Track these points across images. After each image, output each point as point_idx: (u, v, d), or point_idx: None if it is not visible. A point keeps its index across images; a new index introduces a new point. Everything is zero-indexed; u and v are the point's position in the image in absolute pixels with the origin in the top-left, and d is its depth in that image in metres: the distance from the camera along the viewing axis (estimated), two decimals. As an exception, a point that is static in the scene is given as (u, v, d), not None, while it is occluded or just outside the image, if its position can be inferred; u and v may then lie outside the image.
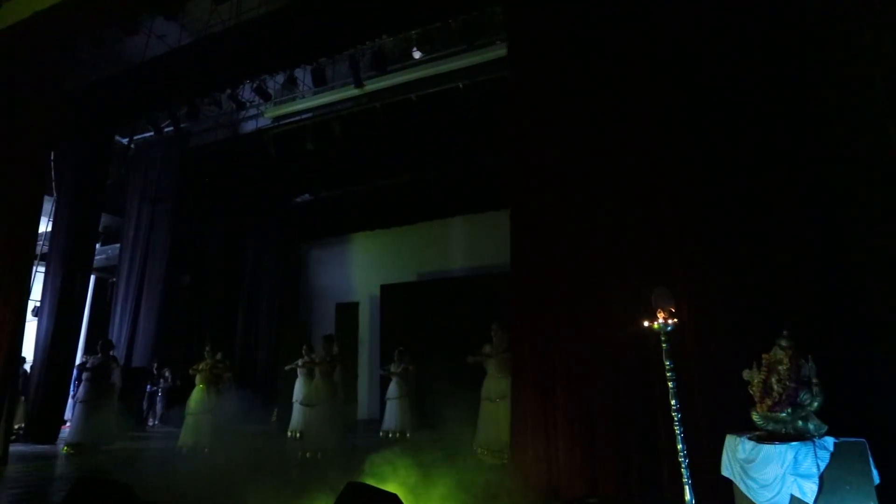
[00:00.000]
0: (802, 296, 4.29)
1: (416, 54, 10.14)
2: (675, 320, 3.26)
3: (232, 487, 4.96)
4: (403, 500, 2.82)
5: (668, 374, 3.28)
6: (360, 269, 13.38)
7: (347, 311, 12.93)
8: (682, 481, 3.22)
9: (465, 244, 12.14)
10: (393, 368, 9.88)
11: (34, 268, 11.33)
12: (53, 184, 10.76)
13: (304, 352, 9.41)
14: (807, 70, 4.49)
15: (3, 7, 8.83)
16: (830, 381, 3.75)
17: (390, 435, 9.33)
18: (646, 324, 3.34)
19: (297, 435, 9.11)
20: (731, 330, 4.37)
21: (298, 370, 9.50)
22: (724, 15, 4.81)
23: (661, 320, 3.27)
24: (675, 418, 3.21)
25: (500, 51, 9.63)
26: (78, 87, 10.28)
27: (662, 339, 3.32)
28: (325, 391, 8.12)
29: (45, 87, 9.76)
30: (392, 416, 9.57)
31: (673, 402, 3.21)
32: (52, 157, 10.77)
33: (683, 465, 3.17)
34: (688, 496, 3.12)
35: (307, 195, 13.30)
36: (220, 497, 4.52)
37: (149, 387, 12.05)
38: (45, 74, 9.67)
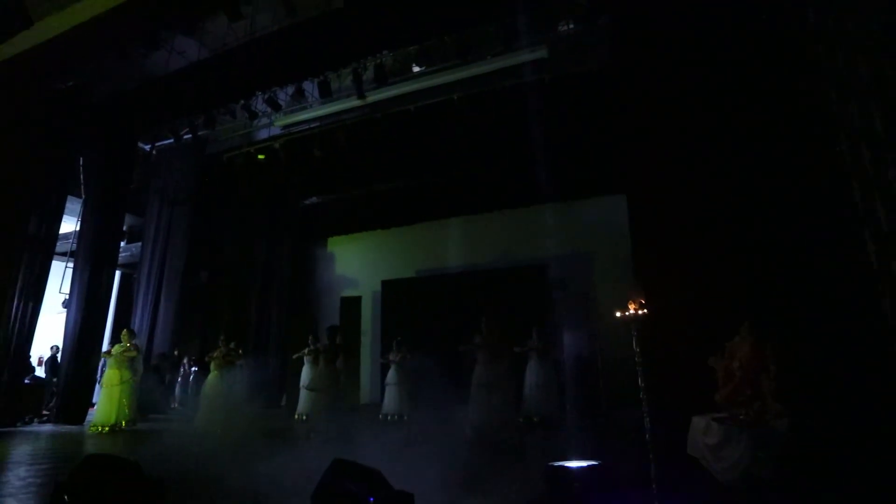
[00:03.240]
0: (766, 288, 4.28)
1: (415, 68, 10.14)
2: (645, 311, 3.24)
3: (235, 464, 4.95)
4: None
5: (637, 360, 3.27)
6: (364, 266, 13.33)
7: (351, 305, 12.91)
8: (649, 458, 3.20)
9: (460, 243, 12.09)
10: (392, 357, 9.85)
11: (65, 264, 11.36)
12: (82, 186, 10.77)
13: (310, 341, 9.38)
14: (783, 71, 4.43)
15: (35, 25, 8.81)
16: (790, 368, 3.74)
17: (389, 417, 9.31)
18: (618, 314, 3.33)
19: (304, 417, 9.11)
20: (699, 320, 4.36)
21: (305, 358, 9.49)
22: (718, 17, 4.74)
23: (631, 310, 3.25)
24: (643, 400, 3.21)
25: (491, 65, 9.70)
26: (105, 99, 10.28)
27: (633, 328, 3.30)
28: (328, 377, 8.10)
29: (74, 98, 9.78)
30: (391, 400, 9.53)
31: (642, 384, 3.20)
32: (80, 163, 10.80)
33: (650, 445, 3.16)
34: (653, 473, 3.11)
35: (315, 198, 13.29)
36: (223, 472, 4.51)
37: (169, 372, 12.02)
38: (74, 87, 9.68)
